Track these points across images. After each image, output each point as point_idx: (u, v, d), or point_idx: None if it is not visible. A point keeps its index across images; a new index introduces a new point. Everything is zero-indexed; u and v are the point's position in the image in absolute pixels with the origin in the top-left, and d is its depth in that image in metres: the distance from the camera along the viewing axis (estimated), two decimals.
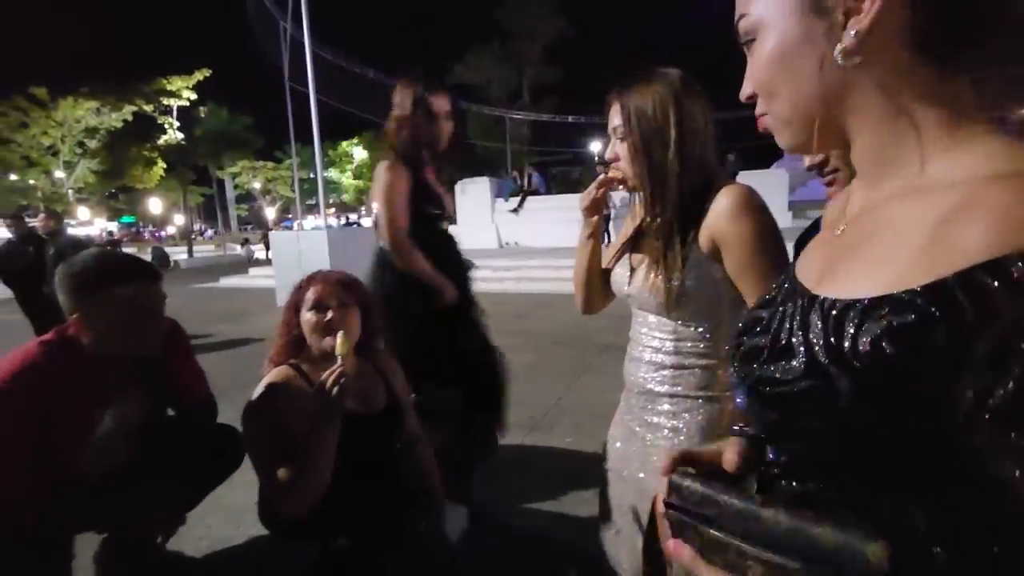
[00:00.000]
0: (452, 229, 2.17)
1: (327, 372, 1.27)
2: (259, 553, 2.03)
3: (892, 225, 0.44)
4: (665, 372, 1.13)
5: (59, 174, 25.30)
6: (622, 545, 1.22)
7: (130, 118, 25.48)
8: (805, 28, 0.45)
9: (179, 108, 28.09)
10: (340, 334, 1.32)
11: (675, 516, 0.49)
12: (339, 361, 1.28)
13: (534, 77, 36.38)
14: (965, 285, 0.35)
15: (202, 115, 33.73)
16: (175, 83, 26.60)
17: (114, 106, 24.69)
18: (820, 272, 0.50)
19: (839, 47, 0.43)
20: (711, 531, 0.45)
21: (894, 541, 0.36)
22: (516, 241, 13.97)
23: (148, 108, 26.17)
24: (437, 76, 2.06)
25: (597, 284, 1.28)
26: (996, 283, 0.33)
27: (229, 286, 12.06)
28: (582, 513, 2.15)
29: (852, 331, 0.40)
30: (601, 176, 1.18)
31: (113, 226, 35.54)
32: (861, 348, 0.39)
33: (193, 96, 27.58)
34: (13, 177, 25.88)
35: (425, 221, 1.96)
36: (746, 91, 0.52)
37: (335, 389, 1.24)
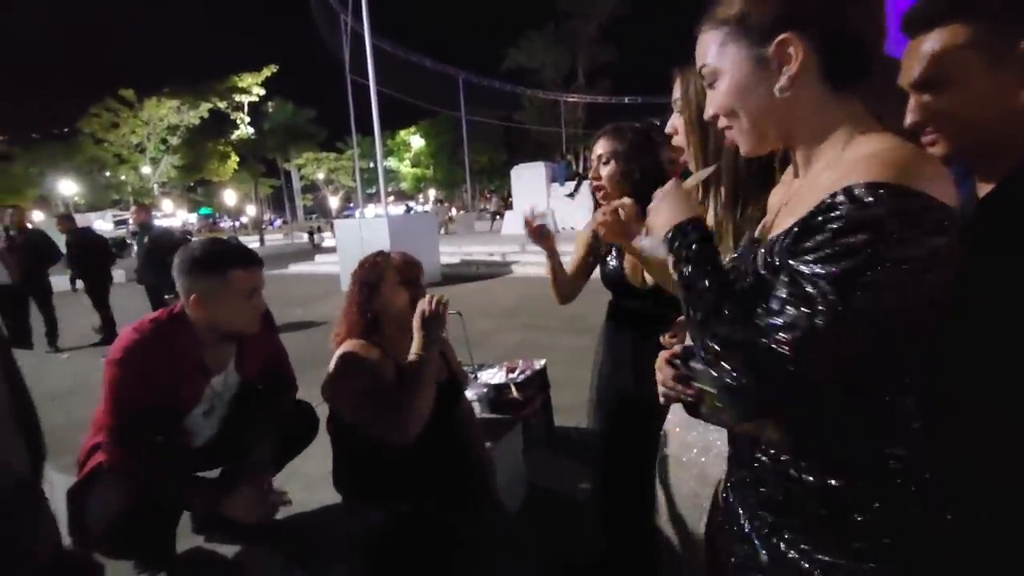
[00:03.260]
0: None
1: (428, 297, 1.48)
2: (333, 517, 2.19)
3: (817, 184, 0.67)
4: None
5: (146, 170, 27.36)
6: (681, 529, 1.23)
7: (206, 115, 27.14)
8: (753, 74, 0.69)
9: (249, 104, 29.61)
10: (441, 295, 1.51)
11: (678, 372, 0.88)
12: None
13: (589, 58, 35.39)
14: (845, 193, 0.59)
15: (270, 110, 35.33)
16: (245, 80, 27.96)
17: (192, 104, 26.35)
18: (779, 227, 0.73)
19: (778, 85, 0.67)
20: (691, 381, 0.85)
21: None
22: (572, 226, 13.83)
23: (222, 105, 27.72)
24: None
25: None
26: (867, 191, 0.58)
27: (297, 272, 12.72)
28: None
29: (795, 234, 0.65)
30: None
31: (192, 218, 38.13)
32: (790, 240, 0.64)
33: (262, 92, 28.96)
34: (107, 174, 28.27)
35: None
36: (709, 113, 0.76)
37: (441, 307, 1.46)
